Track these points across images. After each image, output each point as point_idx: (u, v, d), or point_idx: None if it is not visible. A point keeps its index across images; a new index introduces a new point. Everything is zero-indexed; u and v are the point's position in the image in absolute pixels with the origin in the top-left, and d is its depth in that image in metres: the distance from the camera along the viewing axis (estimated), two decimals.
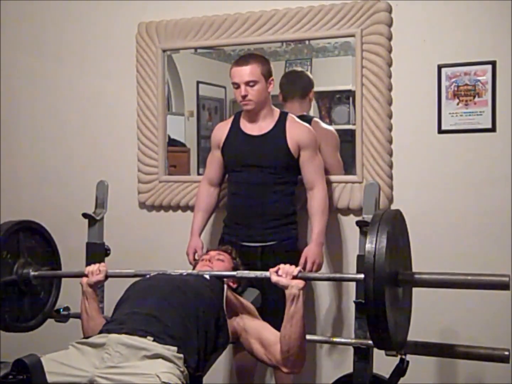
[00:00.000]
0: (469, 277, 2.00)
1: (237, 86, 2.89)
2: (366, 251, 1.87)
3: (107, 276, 2.47)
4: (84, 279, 2.46)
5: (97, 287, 2.53)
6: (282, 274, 2.19)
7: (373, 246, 1.86)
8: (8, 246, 2.53)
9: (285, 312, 2.19)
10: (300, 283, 2.17)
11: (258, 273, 2.34)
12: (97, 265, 2.49)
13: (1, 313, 2.50)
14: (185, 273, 2.43)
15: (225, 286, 2.38)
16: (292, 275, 2.18)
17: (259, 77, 2.87)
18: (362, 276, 1.92)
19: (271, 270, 2.23)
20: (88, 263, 2.81)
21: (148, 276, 2.44)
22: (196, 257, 3.02)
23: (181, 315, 2.19)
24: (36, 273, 2.58)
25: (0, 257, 2.49)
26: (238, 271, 2.41)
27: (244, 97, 2.87)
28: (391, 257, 1.90)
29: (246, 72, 2.85)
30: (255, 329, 2.34)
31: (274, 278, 2.20)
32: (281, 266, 2.22)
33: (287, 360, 2.21)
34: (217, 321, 2.26)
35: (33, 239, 2.68)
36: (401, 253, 2.08)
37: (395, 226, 2.00)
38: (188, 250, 3.09)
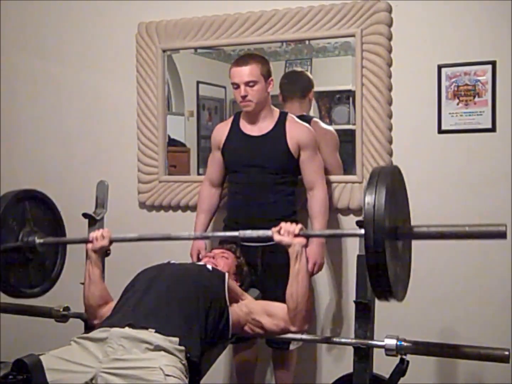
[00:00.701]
0: (467, 228, 2.01)
1: (236, 86, 2.89)
2: (366, 204, 1.89)
3: (111, 241, 2.52)
4: (89, 245, 2.51)
5: (102, 253, 2.56)
6: (284, 233, 2.25)
7: (372, 200, 1.88)
8: (14, 213, 2.55)
9: (290, 271, 2.26)
10: (302, 240, 2.25)
11: (261, 232, 2.35)
12: (101, 230, 2.54)
13: (8, 278, 2.52)
14: (188, 263, 2.45)
15: (227, 276, 2.40)
16: (293, 233, 2.24)
17: (259, 77, 2.86)
18: (362, 231, 1.94)
19: (274, 229, 2.28)
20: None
21: (151, 266, 2.47)
22: (200, 258, 3.03)
23: (184, 306, 2.20)
24: (41, 240, 2.59)
25: (6, 223, 2.51)
26: (241, 231, 2.41)
27: (244, 97, 2.87)
28: (390, 211, 1.92)
29: (246, 72, 2.85)
30: (259, 306, 2.40)
31: (277, 237, 2.26)
32: (282, 224, 2.27)
33: (295, 318, 2.28)
34: (219, 312, 2.27)
35: (39, 208, 2.69)
36: (400, 208, 2.10)
37: (393, 180, 2.02)
38: (192, 251, 3.09)
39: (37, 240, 2.57)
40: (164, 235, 2.52)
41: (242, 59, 2.91)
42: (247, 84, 2.85)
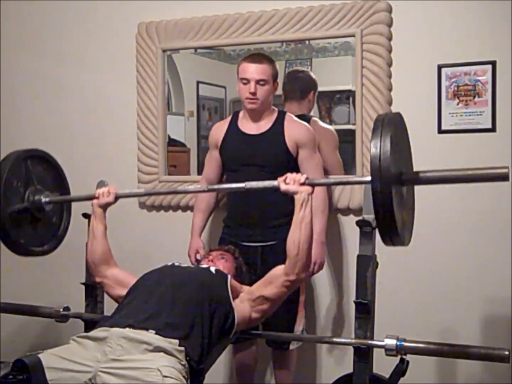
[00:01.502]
0: (469, 172, 2.07)
1: (246, 81, 2.88)
2: (372, 154, 1.95)
3: (116, 198, 2.58)
4: (95, 201, 2.58)
5: (106, 209, 2.61)
6: (290, 181, 2.32)
7: (378, 148, 1.94)
8: (18, 175, 2.60)
9: (293, 218, 2.31)
10: (308, 188, 2.31)
11: (267, 183, 2.43)
12: (107, 187, 2.60)
13: (18, 239, 2.58)
14: (192, 266, 2.46)
15: (229, 278, 2.42)
16: (299, 182, 2.30)
17: (269, 78, 2.87)
18: (369, 178, 1.98)
19: (280, 179, 2.35)
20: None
21: (155, 268, 2.48)
22: (198, 258, 3.03)
23: (186, 309, 2.20)
24: (47, 199, 2.66)
25: (11, 185, 2.54)
26: (247, 183, 2.46)
27: (253, 94, 2.86)
28: (394, 157, 1.97)
29: (259, 70, 2.85)
30: (257, 283, 2.44)
31: (283, 186, 2.33)
32: (288, 174, 2.34)
33: (294, 266, 2.32)
34: (224, 312, 2.28)
35: (41, 167, 2.74)
36: (403, 154, 2.15)
37: (397, 128, 2.06)
38: (190, 251, 3.09)
39: (43, 199, 2.64)
40: (170, 189, 2.55)
41: (256, 57, 2.91)
42: (258, 82, 2.85)
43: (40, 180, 2.68)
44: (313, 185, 2.36)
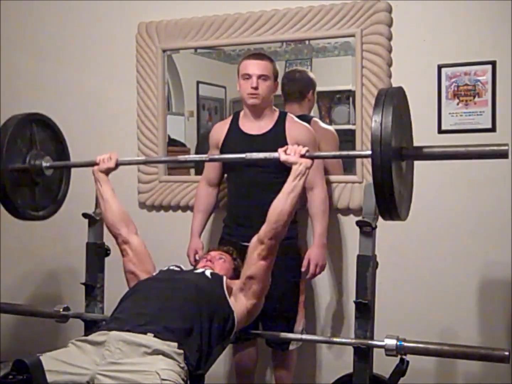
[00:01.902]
0: (470, 148, 2.09)
1: (248, 77, 2.88)
2: (372, 128, 1.95)
3: (117, 164, 2.59)
4: (96, 167, 2.61)
5: (109, 174, 2.64)
6: (291, 152, 2.32)
7: (379, 122, 1.94)
8: (21, 135, 2.61)
9: (284, 186, 2.32)
10: (308, 161, 2.32)
11: (267, 154, 2.44)
12: (108, 153, 2.62)
13: (15, 199, 2.59)
14: (187, 270, 2.45)
15: (224, 279, 2.41)
16: (300, 153, 2.31)
17: (271, 74, 2.89)
18: (369, 152, 1.99)
19: (280, 149, 2.36)
20: (88, 263, 2.82)
21: (152, 275, 2.47)
22: (197, 258, 3.03)
23: (184, 312, 2.19)
24: (48, 163, 2.67)
25: (15, 143, 2.56)
26: (247, 153, 2.46)
27: (255, 88, 2.86)
28: (396, 132, 1.98)
29: (261, 66, 2.87)
30: (242, 271, 2.43)
31: (283, 156, 2.34)
32: (289, 146, 2.35)
33: (269, 232, 2.32)
34: (223, 314, 2.27)
35: (45, 133, 2.76)
36: (404, 128, 2.16)
37: (398, 102, 2.07)
38: (189, 251, 3.09)
39: (44, 163, 2.66)
40: (171, 158, 2.56)
41: (258, 54, 2.95)
42: (259, 77, 2.86)
43: (43, 146, 2.70)
44: (313, 158, 2.36)
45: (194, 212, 3.17)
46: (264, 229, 2.34)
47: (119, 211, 2.57)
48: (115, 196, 2.60)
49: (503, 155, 2.00)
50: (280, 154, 2.36)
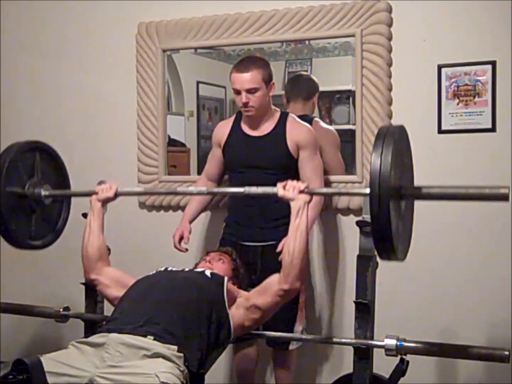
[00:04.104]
0: (470, 190, 2.05)
1: (237, 92, 2.88)
2: (372, 165, 1.92)
3: (116, 194, 2.56)
4: (94, 196, 2.57)
5: (106, 205, 2.61)
6: (289, 188, 2.30)
7: (379, 160, 1.91)
8: (24, 161, 2.59)
9: (289, 226, 2.28)
10: (306, 197, 2.29)
11: (267, 189, 2.41)
12: (108, 183, 2.59)
13: (9, 223, 2.53)
14: (187, 270, 2.44)
15: (226, 281, 2.39)
16: (298, 189, 2.28)
17: (260, 84, 2.84)
18: (367, 190, 1.96)
19: (279, 185, 2.32)
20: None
21: (150, 273, 2.46)
22: (183, 243, 3.00)
23: (182, 313, 2.19)
24: (47, 192, 2.64)
25: (16, 168, 2.54)
26: (246, 187, 2.43)
27: (245, 104, 2.86)
28: (395, 171, 1.95)
29: (247, 79, 2.82)
30: (253, 290, 2.40)
31: (281, 192, 2.31)
32: (289, 181, 2.32)
33: (288, 275, 2.26)
34: (220, 318, 2.26)
35: (48, 163, 2.73)
36: (404, 168, 2.13)
37: (399, 140, 2.04)
38: (175, 232, 3.05)
39: (43, 192, 2.61)
40: (169, 189, 2.54)
41: (243, 65, 2.87)
42: (248, 91, 2.83)
43: (44, 175, 2.67)
44: (312, 194, 2.33)
45: (190, 200, 3.15)
46: (282, 274, 2.28)
47: (99, 247, 2.52)
48: (102, 232, 2.56)
49: (503, 197, 1.96)
50: (279, 189, 2.32)
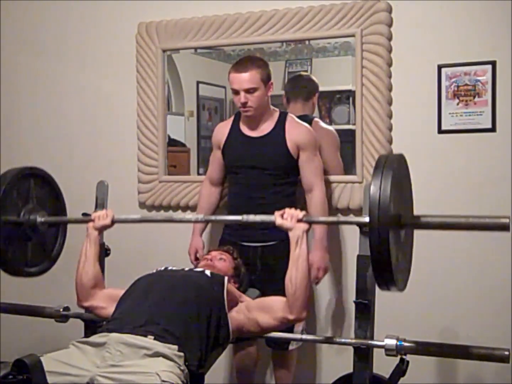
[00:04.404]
0: (470, 219, 2.04)
1: (236, 92, 2.88)
2: (371, 194, 1.91)
3: (113, 222, 2.52)
4: (90, 223, 2.52)
5: (102, 233, 2.59)
6: (287, 217, 2.25)
7: (378, 189, 1.89)
8: (19, 188, 2.55)
9: (290, 256, 2.24)
10: (304, 225, 2.24)
11: (265, 217, 2.37)
12: (104, 210, 2.55)
13: (5, 252, 2.50)
14: (186, 269, 2.44)
15: (226, 280, 2.39)
16: (296, 218, 2.24)
17: (259, 84, 2.84)
18: (367, 219, 1.95)
19: (277, 213, 2.28)
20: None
21: (150, 272, 2.46)
22: (198, 256, 3.04)
23: (182, 313, 2.19)
24: (42, 219, 2.60)
25: (10, 196, 2.51)
26: (244, 215, 2.41)
27: (244, 104, 2.86)
28: (394, 200, 1.93)
29: (245, 79, 2.82)
30: (255, 304, 2.38)
31: (279, 221, 2.26)
32: (286, 209, 2.27)
33: (293, 306, 2.23)
34: (219, 319, 2.26)
35: (43, 189, 2.69)
36: (404, 196, 2.11)
37: (399, 169, 2.03)
38: (190, 250, 3.10)
39: (39, 219, 2.58)
40: (166, 217, 2.53)
41: (241, 65, 2.88)
42: (247, 91, 2.84)
43: (40, 201, 2.63)
44: (310, 223, 2.29)
45: (197, 211, 3.18)
46: (287, 304, 2.25)
47: (95, 275, 2.47)
48: (97, 260, 2.52)
49: (504, 227, 1.94)
50: (276, 218, 2.27)
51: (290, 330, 2.92)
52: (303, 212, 2.27)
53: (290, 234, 2.24)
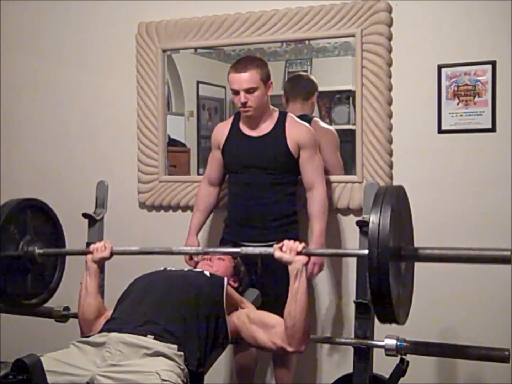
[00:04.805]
0: (471, 252, 2.01)
1: (235, 92, 2.88)
2: (371, 225, 1.89)
3: (112, 254, 2.48)
4: (89, 256, 2.48)
5: (101, 265, 2.55)
6: (286, 250, 2.21)
7: (377, 221, 1.88)
8: (15, 222, 2.54)
9: (289, 289, 2.21)
10: (304, 258, 2.20)
11: (263, 250, 2.36)
12: (102, 242, 2.51)
13: (5, 288, 2.49)
14: (185, 269, 2.44)
15: (225, 283, 2.38)
16: (296, 251, 2.20)
17: (258, 83, 2.85)
18: (366, 251, 1.93)
19: (275, 246, 2.25)
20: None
21: (149, 272, 2.46)
22: (192, 256, 3.03)
23: (181, 313, 2.19)
24: (41, 250, 2.58)
25: (7, 231, 2.50)
26: (243, 248, 2.40)
27: (243, 104, 2.86)
28: (394, 232, 1.92)
29: (245, 79, 2.83)
30: (257, 317, 2.35)
31: (278, 253, 2.22)
32: (285, 242, 2.24)
33: (292, 337, 2.21)
34: (217, 319, 2.26)
35: (40, 219, 2.68)
36: (404, 228, 2.10)
37: (398, 201, 2.02)
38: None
39: (37, 250, 2.56)
40: (166, 248, 2.51)
41: (241, 65, 2.88)
42: (246, 91, 2.84)
43: (37, 232, 2.62)
44: (309, 255, 2.25)
45: (194, 211, 3.18)
46: (286, 336, 2.22)
47: (97, 307, 2.43)
48: (98, 292, 2.49)
49: (505, 260, 1.92)
50: (275, 251, 2.23)
51: None
52: (302, 244, 2.23)
53: (290, 267, 2.20)
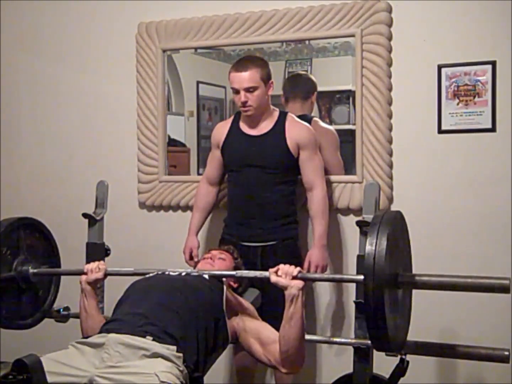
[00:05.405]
0: (469, 280, 1.99)
1: (236, 91, 2.88)
2: (366, 252, 1.87)
3: (106, 274, 2.47)
4: (83, 277, 2.46)
5: (97, 285, 2.53)
6: (282, 274, 2.18)
7: (373, 247, 1.85)
8: (8, 242, 2.53)
9: (284, 313, 2.18)
10: (299, 283, 2.16)
11: (258, 273, 2.35)
12: (96, 263, 2.49)
13: (1, 310, 2.49)
14: (184, 273, 2.43)
15: (225, 286, 2.38)
16: (291, 275, 2.17)
17: (259, 83, 2.85)
18: (361, 277, 1.91)
19: (271, 270, 2.22)
20: (88, 263, 2.81)
21: (148, 275, 2.45)
22: (193, 256, 3.04)
23: (181, 315, 2.19)
24: (35, 270, 2.58)
25: (0, 253, 2.49)
26: (238, 271, 2.41)
27: (244, 103, 2.86)
28: (391, 258, 1.89)
29: (246, 78, 2.83)
30: (254, 329, 2.34)
31: (274, 278, 2.19)
32: (281, 266, 2.20)
33: (285, 360, 2.20)
34: (217, 322, 2.26)
35: (33, 237, 2.67)
36: (401, 254, 2.08)
37: (395, 227, 1.99)
38: (185, 249, 3.10)
39: (31, 270, 2.56)
40: (159, 269, 2.51)
41: (241, 64, 2.88)
42: (247, 90, 2.84)
43: (31, 251, 2.61)
44: (305, 280, 2.20)
45: (193, 211, 3.18)
46: (282, 357, 2.21)
47: (99, 325, 2.36)
48: (98, 310, 2.49)
49: (503, 289, 1.91)
50: (271, 275, 2.19)
51: None
52: (298, 269, 2.19)
53: (286, 292, 2.17)
